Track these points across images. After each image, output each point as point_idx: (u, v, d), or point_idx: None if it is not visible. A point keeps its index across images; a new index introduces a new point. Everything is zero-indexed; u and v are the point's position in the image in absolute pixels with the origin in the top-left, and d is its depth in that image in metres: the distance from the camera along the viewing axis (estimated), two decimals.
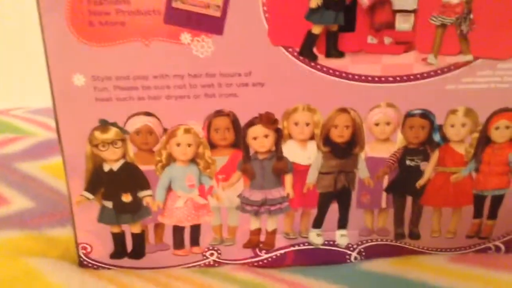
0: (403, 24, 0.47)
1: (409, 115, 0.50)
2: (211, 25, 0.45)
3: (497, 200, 0.54)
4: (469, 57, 0.48)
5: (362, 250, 0.56)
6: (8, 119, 1.02)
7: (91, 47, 0.44)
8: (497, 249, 0.57)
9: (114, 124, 0.48)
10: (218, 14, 0.45)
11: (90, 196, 0.51)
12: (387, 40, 0.47)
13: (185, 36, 0.45)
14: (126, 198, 0.52)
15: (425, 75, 0.48)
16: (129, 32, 0.44)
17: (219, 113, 0.49)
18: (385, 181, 0.54)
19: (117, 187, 0.51)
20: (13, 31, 1.10)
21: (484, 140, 0.52)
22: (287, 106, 0.49)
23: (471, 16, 0.46)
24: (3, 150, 0.82)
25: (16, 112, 1.07)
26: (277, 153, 0.52)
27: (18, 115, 1.05)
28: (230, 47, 0.46)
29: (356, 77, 0.48)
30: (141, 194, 0.52)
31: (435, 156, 0.52)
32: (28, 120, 1.01)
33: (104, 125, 0.48)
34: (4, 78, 1.17)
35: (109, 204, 0.52)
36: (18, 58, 1.13)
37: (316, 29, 0.46)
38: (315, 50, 0.47)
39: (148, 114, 0.48)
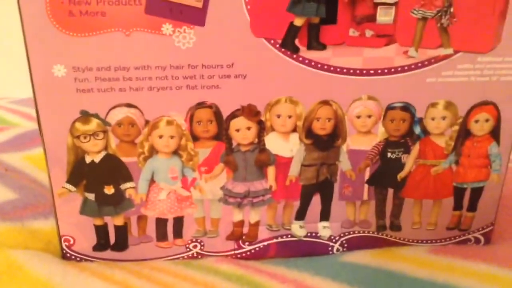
0: (384, 17, 0.47)
1: (390, 108, 0.51)
2: (193, 16, 0.45)
3: (477, 192, 0.55)
4: (449, 51, 0.48)
5: (344, 242, 0.57)
6: None
7: (72, 37, 0.44)
8: (477, 240, 0.58)
9: (95, 116, 0.48)
10: (199, 5, 0.44)
11: (72, 188, 0.51)
12: (368, 33, 0.48)
13: (167, 27, 0.45)
14: (109, 190, 0.52)
15: (406, 68, 0.48)
16: (109, 22, 0.44)
17: (201, 105, 0.49)
18: (367, 174, 0.54)
19: (99, 179, 0.51)
20: None
21: (464, 133, 0.52)
22: (269, 98, 0.49)
23: (452, 9, 0.46)
24: None
25: None
26: (259, 145, 0.52)
27: (1, 106, 1.04)
28: (212, 38, 0.46)
29: (338, 69, 0.48)
30: (124, 186, 0.52)
31: (415, 148, 0.53)
32: (11, 110, 1.00)
33: (85, 116, 0.47)
34: None
35: (91, 196, 0.52)
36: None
37: (298, 21, 0.46)
38: (297, 42, 0.47)
39: (129, 105, 0.48)
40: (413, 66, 0.48)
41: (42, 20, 0.43)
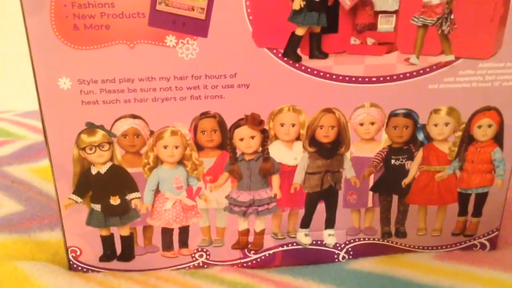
0: (385, 25, 0.47)
1: (392, 114, 0.51)
2: (196, 27, 0.45)
3: (481, 198, 0.55)
4: (450, 57, 0.48)
5: (349, 249, 0.57)
6: None
7: (76, 50, 0.44)
8: (483, 246, 0.58)
9: (100, 127, 0.48)
10: (202, 16, 0.45)
11: (78, 199, 0.51)
12: (369, 41, 0.48)
13: (170, 39, 0.45)
14: (114, 200, 0.52)
15: (407, 75, 0.49)
16: (114, 35, 0.44)
17: (205, 115, 0.49)
18: (371, 181, 0.54)
19: (105, 190, 0.52)
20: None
21: (467, 139, 0.52)
22: (272, 107, 0.50)
23: (452, 16, 0.47)
24: None
25: (5, 115, 1.07)
26: (263, 154, 0.52)
27: (6, 119, 1.04)
28: (215, 49, 0.46)
29: (340, 77, 0.48)
30: (129, 196, 0.52)
31: (419, 155, 0.53)
32: (17, 123, 1.01)
33: (90, 128, 0.48)
34: None
35: (97, 207, 0.52)
36: (5, 61, 1.13)
37: (300, 31, 0.47)
38: (299, 51, 0.47)
39: (134, 116, 0.48)
40: (414, 73, 0.49)
41: (48, 34, 0.43)
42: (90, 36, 0.44)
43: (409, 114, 0.51)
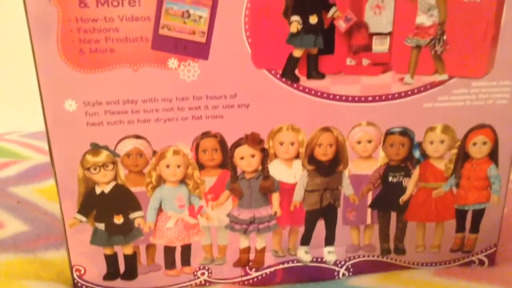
0: (379, 46, 0.49)
1: (389, 133, 0.52)
2: (197, 50, 0.47)
3: (479, 214, 0.56)
4: (444, 77, 0.50)
5: (349, 266, 0.58)
6: (2, 144, 1.03)
7: (82, 73, 0.46)
8: (481, 262, 0.59)
9: (105, 147, 0.50)
10: (203, 40, 0.47)
11: (83, 218, 0.52)
12: (365, 61, 0.50)
13: (173, 61, 0.47)
14: (118, 219, 0.53)
15: (402, 94, 0.50)
16: (118, 58, 0.46)
17: (206, 135, 0.51)
18: (370, 198, 0.55)
19: (109, 209, 0.53)
20: (5, 56, 1.12)
21: (463, 156, 0.53)
22: (272, 126, 0.51)
23: (445, 37, 0.48)
24: None
25: (10, 136, 1.09)
26: (263, 173, 0.53)
27: (12, 139, 1.06)
28: (216, 70, 0.48)
29: (337, 97, 0.50)
30: (133, 215, 0.53)
31: (416, 172, 0.54)
32: (22, 144, 1.03)
33: (95, 148, 0.49)
34: None
35: (101, 226, 0.53)
36: (10, 82, 1.15)
37: (297, 52, 0.48)
38: (297, 72, 0.49)
39: (138, 137, 0.50)
40: (409, 92, 0.50)
41: (54, 58, 0.45)
42: (95, 60, 0.46)
43: (405, 132, 0.52)
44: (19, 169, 0.86)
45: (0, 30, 1.10)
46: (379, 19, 0.48)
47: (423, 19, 0.48)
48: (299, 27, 0.47)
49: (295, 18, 0.47)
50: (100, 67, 0.46)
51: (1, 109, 1.18)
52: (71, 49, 0.45)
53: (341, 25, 0.48)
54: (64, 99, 0.47)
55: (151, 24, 0.45)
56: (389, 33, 0.49)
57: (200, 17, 0.46)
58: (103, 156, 0.50)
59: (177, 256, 0.56)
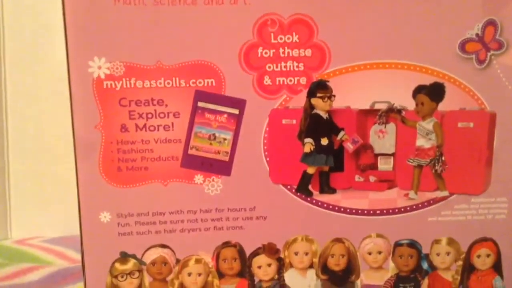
0: (384, 165, 0.55)
1: (397, 244, 0.55)
2: (221, 168, 0.52)
3: None
4: (445, 193, 0.54)
5: None
6: (25, 248, 1.06)
7: (118, 188, 0.51)
8: None
9: (133, 256, 0.53)
10: (226, 159, 0.52)
11: None
12: (372, 178, 0.55)
13: (198, 177, 0.52)
14: None
15: (408, 208, 0.54)
16: (150, 175, 0.51)
17: (226, 244, 0.54)
18: None
19: None
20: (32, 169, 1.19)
21: (468, 268, 0.56)
22: (287, 237, 0.55)
23: (443, 158, 0.53)
24: (20, 280, 0.85)
25: (33, 241, 1.12)
26: (279, 281, 0.56)
27: (34, 244, 1.09)
28: (237, 186, 0.53)
29: (348, 210, 0.54)
30: None
31: (425, 283, 0.56)
32: (44, 249, 1.05)
33: (124, 257, 0.53)
34: (20, 208, 1.23)
35: None
36: (34, 189, 1.20)
37: (311, 170, 0.54)
38: (310, 187, 0.54)
39: (163, 246, 0.53)
40: (414, 207, 0.54)
41: (95, 175, 0.50)
42: (131, 176, 0.51)
43: (413, 244, 0.55)
44: (41, 274, 0.88)
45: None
46: (382, 142, 0.54)
47: (422, 142, 0.53)
48: (312, 148, 0.53)
49: (308, 140, 0.53)
50: (134, 183, 0.51)
51: (23, 214, 1.22)
52: (110, 167, 0.51)
53: (349, 146, 0.53)
54: (100, 212, 0.51)
55: (181, 145, 0.51)
56: (393, 154, 0.55)
57: (225, 139, 0.52)
58: (131, 264, 0.53)
59: None
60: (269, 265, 0.55)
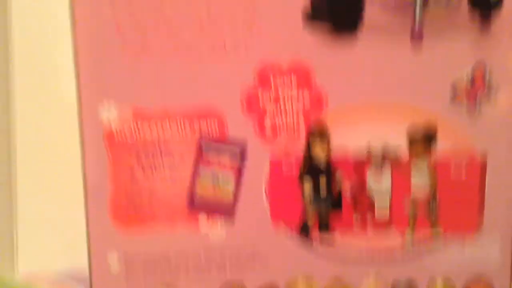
0: (381, 205, 0.56)
1: (395, 284, 0.57)
2: (224, 209, 0.55)
3: None
4: (439, 232, 0.56)
5: None
6: (36, 283, 1.06)
7: (124, 229, 0.54)
8: None
9: None
10: (230, 200, 0.55)
11: None
12: (369, 218, 0.56)
13: (202, 218, 0.54)
14: None
15: (404, 247, 0.56)
16: (156, 217, 0.54)
17: (229, 284, 0.56)
18: None
19: None
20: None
21: None
22: (288, 276, 0.56)
23: (437, 197, 0.55)
24: None
25: (40, 274, 1.12)
26: None
27: (42, 278, 1.09)
28: (240, 227, 0.55)
29: (346, 249, 0.56)
30: None
31: None
32: (52, 283, 1.06)
33: None
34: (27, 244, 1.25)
35: None
36: (41, 224, 1.22)
37: (310, 211, 0.56)
38: (309, 226, 0.56)
39: (168, 285, 0.55)
40: (410, 246, 0.56)
41: (104, 219, 0.53)
42: (138, 219, 0.54)
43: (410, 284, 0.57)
44: None
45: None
46: (379, 182, 0.56)
47: (417, 181, 0.55)
48: (311, 189, 0.55)
49: (307, 181, 0.55)
50: (140, 224, 0.54)
51: (31, 248, 1.23)
52: (119, 211, 0.53)
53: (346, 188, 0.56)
54: (108, 252, 0.54)
55: (186, 189, 0.54)
56: (389, 193, 0.56)
57: (228, 181, 0.54)
58: None
59: None
60: None
